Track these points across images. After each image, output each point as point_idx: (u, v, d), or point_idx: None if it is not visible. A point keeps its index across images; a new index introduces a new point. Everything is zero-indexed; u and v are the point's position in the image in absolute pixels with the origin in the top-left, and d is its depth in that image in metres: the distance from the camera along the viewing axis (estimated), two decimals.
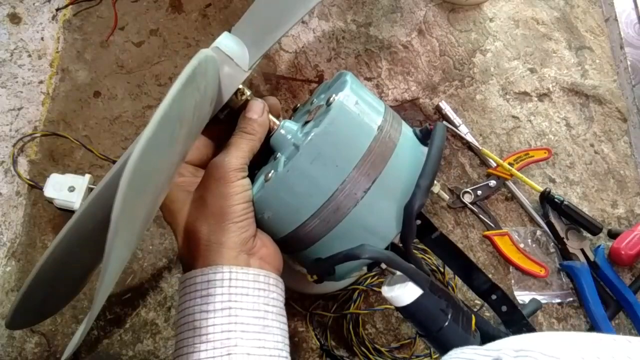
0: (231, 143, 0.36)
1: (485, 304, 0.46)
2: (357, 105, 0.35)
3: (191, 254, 0.35)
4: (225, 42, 0.36)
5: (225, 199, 0.34)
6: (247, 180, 0.35)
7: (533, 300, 0.54)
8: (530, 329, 0.42)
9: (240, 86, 0.37)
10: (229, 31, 0.38)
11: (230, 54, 0.35)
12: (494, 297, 0.42)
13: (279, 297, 0.35)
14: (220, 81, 0.35)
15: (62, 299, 0.43)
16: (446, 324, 0.33)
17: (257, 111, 0.37)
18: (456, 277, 0.55)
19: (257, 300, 0.33)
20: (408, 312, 0.33)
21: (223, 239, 0.33)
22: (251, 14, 0.38)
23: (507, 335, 0.38)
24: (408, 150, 0.37)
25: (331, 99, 0.35)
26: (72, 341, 0.29)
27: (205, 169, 0.36)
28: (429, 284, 0.33)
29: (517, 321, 0.42)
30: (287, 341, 0.35)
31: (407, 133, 0.38)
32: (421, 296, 0.33)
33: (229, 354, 0.31)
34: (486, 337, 0.36)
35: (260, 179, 0.36)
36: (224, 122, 0.38)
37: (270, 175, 0.34)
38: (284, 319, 0.35)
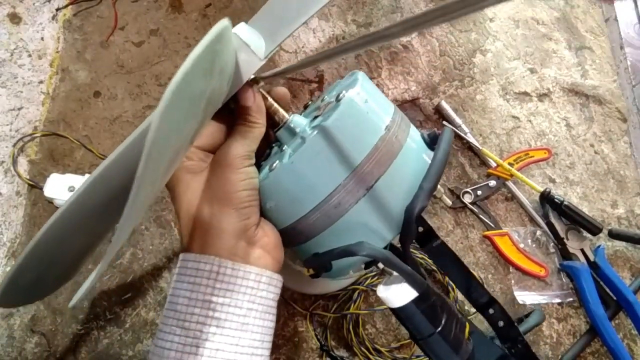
0: (236, 131, 0.36)
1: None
2: (367, 103, 0.35)
3: (191, 237, 0.35)
4: (243, 30, 0.36)
5: (231, 185, 0.34)
6: (253, 168, 0.35)
7: (535, 313, 0.54)
8: (525, 346, 0.41)
9: (253, 76, 0.37)
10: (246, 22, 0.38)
11: (247, 41, 0.36)
12: (491, 311, 0.41)
13: (269, 295, 0.35)
14: (236, 65, 0.35)
15: (53, 282, 0.43)
16: (439, 329, 0.32)
17: (249, 98, 0.37)
18: None
19: (241, 297, 0.33)
20: (401, 313, 0.33)
21: (223, 224, 0.33)
22: (268, 7, 0.39)
23: (502, 350, 0.38)
24: (414, 153, 0.36)
25: (341, 95, 0.35)
26: (87, 281, 0.28)
27: (214, 155, 0.36)
28: (424, 287, 0.33)
29: (513, 337, 0.41)
30: (267, 339, 0.35)
31: (414, 136, 0.38)
32: (415, 299, 0.32)
33: (197, 346, 0.31)
34: (479, 347, 0.35)
35: (265, 169, 0.36)
36: (235, 112, 0.38)
37: (275, 165, 0.35)
38: (271, 317, 0.35)
